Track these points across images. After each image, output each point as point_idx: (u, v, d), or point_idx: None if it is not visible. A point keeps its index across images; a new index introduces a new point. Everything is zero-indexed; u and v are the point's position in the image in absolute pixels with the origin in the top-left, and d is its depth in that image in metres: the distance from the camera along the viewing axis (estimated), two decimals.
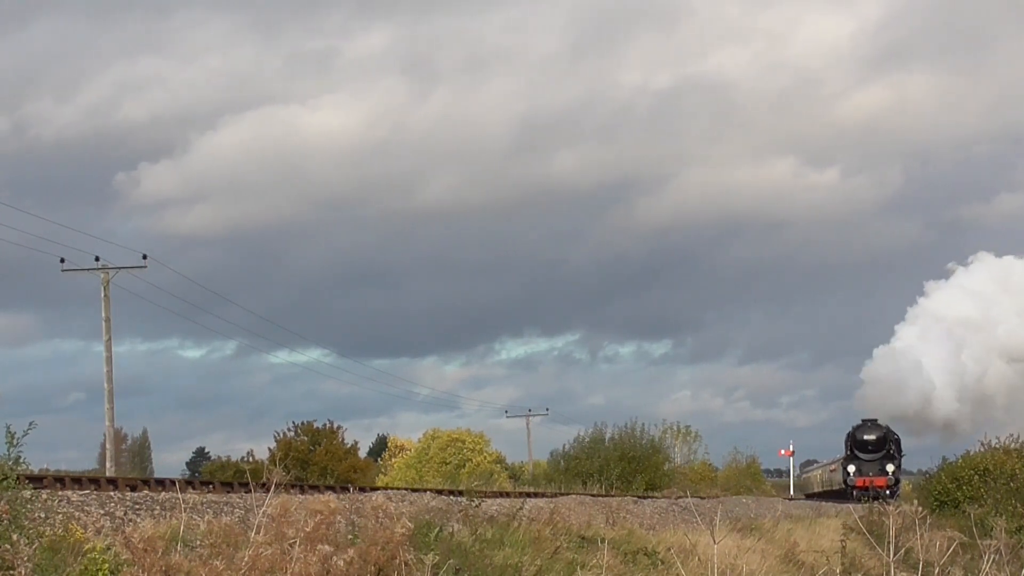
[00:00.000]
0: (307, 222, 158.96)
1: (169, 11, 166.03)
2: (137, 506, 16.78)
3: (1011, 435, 59.33)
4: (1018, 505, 36.51)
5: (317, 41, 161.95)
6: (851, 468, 74.13)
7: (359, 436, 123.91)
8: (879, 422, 75.07)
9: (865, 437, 74.39)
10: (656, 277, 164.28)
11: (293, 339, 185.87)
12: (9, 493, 12.29)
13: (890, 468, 73.14)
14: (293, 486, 25.11)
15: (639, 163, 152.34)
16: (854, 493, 70.87)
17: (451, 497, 24.23)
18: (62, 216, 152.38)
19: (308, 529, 11.33)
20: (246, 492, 20.90)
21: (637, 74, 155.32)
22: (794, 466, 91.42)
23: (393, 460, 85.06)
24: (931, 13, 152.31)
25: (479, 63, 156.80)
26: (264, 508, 12.21)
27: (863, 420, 75.35)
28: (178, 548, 11.98)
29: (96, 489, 19.41)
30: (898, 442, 77.42)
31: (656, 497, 38.07)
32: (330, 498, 12.76)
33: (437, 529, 16.12)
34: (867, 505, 42.95)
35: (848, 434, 75.80)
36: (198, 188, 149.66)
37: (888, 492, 69.40)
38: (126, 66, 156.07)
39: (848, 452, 74.88)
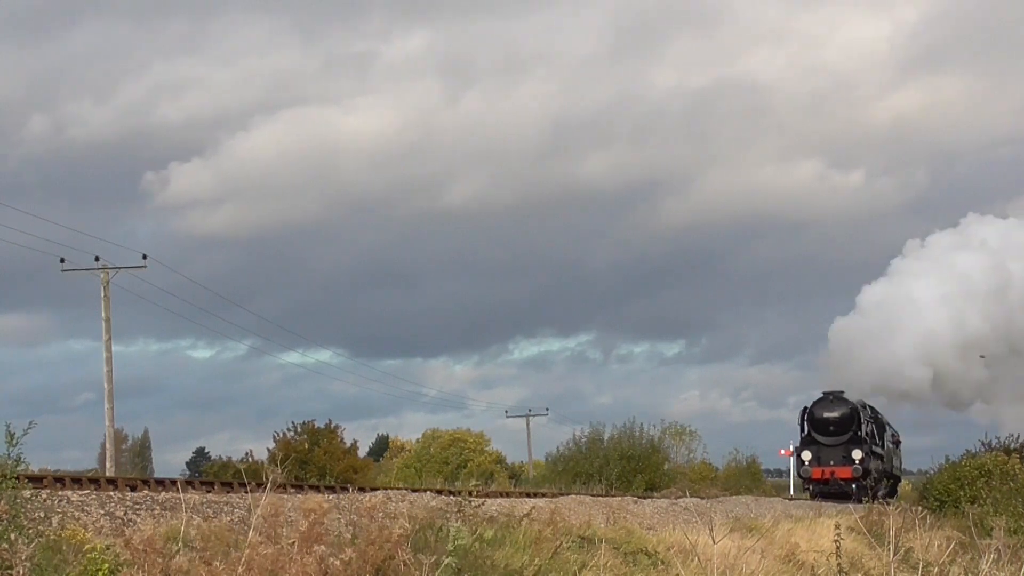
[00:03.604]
0: (333, 223, 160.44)
1: (211, 14, 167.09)
2: (137, 506, 16.78)
3: (1011, 435, 59.49)
4: (1018, 505, 36.56)
5: (356, 44, 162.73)
6: (806, 455, 57.80)
7: (367, 436, 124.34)
8: (845, 395, 58.34)
9: (825, 415, 57.43)
10: (675, 277, 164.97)
11: (306, 340, 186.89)
12: (9, 493, 12.32)
13: (857, 455, 56.26)
14: (293, 486, 25.13)
15: (667, 165, 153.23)
16: (810, 488, 57.29)
17: (451, 497, 24.25)
18: (88, 215, 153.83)
19: (302, 529, 11.34)
20: (246, 492, 20.91)
21: (672, 76, 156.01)
22: (794, 466, 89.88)
23: (394, 460, 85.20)
24: (967, 16, 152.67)
25: (516, 66, 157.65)
26: (258, 509, 12.22)
27: (824, 393, 58.57)
28: (179, 549, 11.99)
29: (96, 489, 19.41)
30: (880, 424, 61.50)
31: (656, 497, 38.07)
32: (323, 498, 12.77)
33: (451, 529, 16.11)
34: (867, 504, 42.07)
35: (804, 411, 58.66)
36: (227, 188, 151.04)
37: (855, 486, 55.79)
38: (165, 68, 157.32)
39: (804, 435, 58.28)
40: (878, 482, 59.35)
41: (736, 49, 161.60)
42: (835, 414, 57.32)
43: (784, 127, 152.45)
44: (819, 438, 57.42)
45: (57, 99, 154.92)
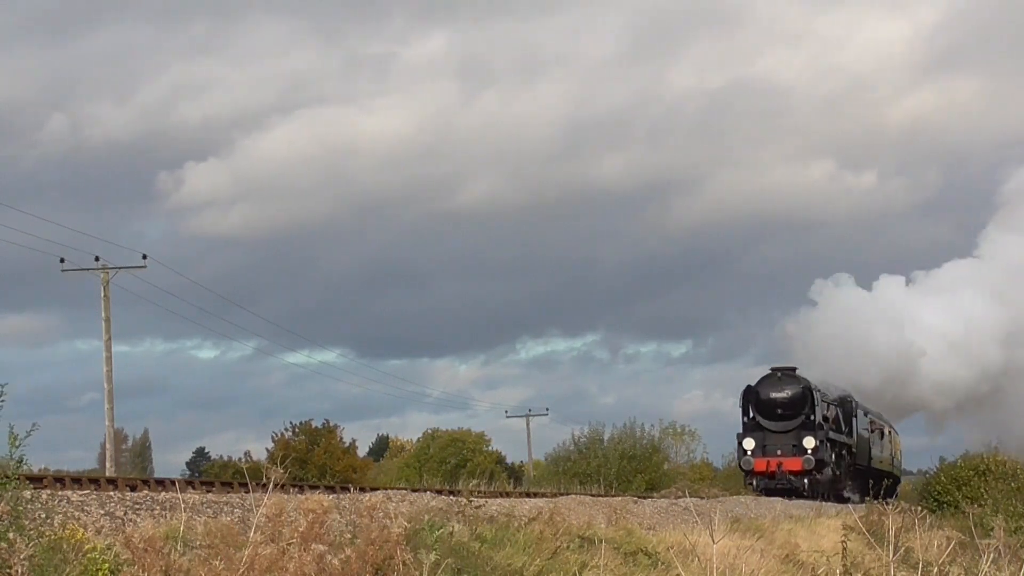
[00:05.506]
0: (345, 224, 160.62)
1: (232, 16, 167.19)
2: (137, 506, 16.78)
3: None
4: (1018, 505, 36.63)
5: (375, 46, 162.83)
6: (748, 443, 47.51)
7: (370, 437, 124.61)
8: (798, 372, 48.59)
9: (772, 395, 47.56)
10: (684, 278, 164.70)
11: (312, 340, 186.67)
12: (10, 493, 12.32)
13: (809, 443, 46.65)
14: (294, 485, 25.15)
15: (681, 165, 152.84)
16: (753, 482, 47.11)
17: (451, 497, 24.26)
18: (103, 215, 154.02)
19: (301, 529, 11.35)
20: (246, 492, 20.94)
21: (690, 77, 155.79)
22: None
23: (394, 460, 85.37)
24: (985, 18, 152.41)
25: (533, 67, 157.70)
26: (261, 508, 12.23)
27: (772, 369, 48.78)
28: (178, 548, 12.00)
29: (96, 489, 19.41)
30: (847, 409, 51.89)
31: (656, 497, 38.09)
32: (323, 497, 12.78)
33: (446, 529, 16.13)
34: (869, 504, 41.66)
35: (746, 391, 48.64)
36: (241, 188, 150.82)
37: (807, 481, 46.97)
38: (184, 68, 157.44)
39: (748, 419, 48.15)
40: (841, 477, 51.38)
41: (755, 50, 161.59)
42: (784, 394, 47.63)
43: (799, 128, 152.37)
44: (765, 423, 47.80)
45: (76, 100, 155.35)
